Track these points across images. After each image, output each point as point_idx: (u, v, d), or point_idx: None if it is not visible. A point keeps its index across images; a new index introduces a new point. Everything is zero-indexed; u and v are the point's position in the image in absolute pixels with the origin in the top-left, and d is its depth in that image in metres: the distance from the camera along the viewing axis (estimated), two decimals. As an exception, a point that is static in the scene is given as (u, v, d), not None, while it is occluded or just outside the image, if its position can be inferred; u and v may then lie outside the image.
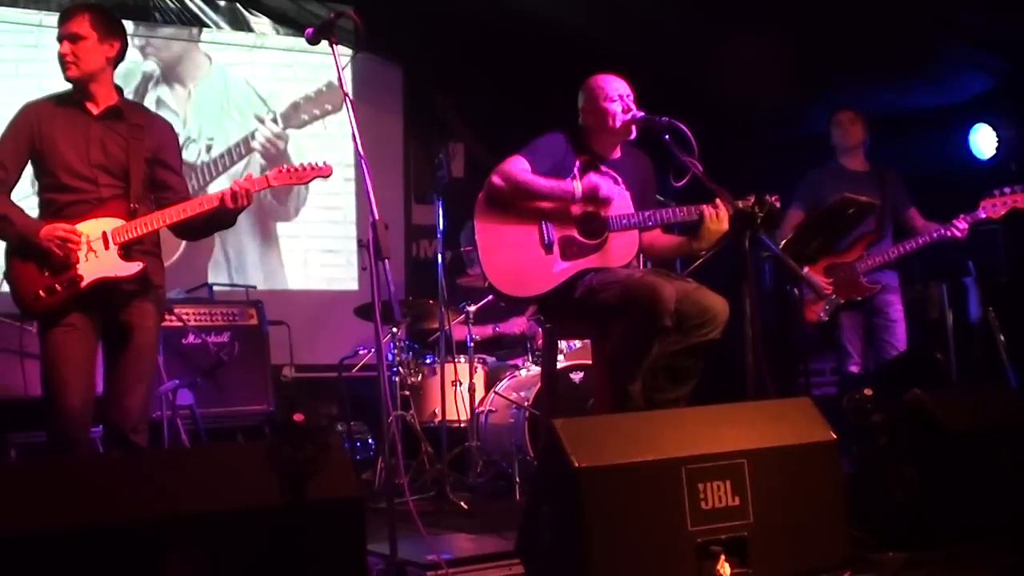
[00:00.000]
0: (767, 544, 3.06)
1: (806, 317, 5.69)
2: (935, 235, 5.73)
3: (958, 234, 5.67)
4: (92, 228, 3.88)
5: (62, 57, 3.94)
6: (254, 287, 7.41)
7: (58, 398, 3.80)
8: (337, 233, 8.27)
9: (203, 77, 7.90)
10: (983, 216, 5.67)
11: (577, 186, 4.38)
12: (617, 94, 4.51)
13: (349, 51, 6.81)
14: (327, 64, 7.84)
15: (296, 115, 8.12)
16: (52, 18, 7.19)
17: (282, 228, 8.11)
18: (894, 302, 5.93)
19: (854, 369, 5.87)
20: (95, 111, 4.01)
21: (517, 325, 6.72)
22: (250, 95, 8.07)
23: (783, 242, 5.14)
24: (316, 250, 8.22)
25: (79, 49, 3.94)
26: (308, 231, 8.19)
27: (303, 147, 8.08)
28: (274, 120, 8.10)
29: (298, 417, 2.69)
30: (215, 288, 7.05)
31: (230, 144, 7.95)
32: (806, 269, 5.70)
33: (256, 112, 8.02)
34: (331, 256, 8.26)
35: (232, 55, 8.03)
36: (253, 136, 8.03)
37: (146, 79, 7.66)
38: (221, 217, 4.04)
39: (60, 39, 3.95)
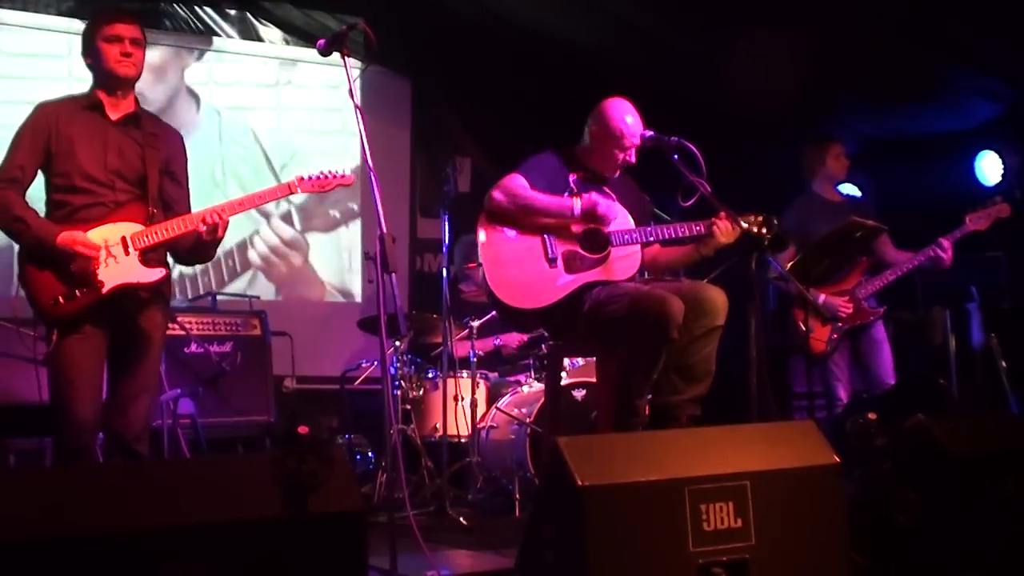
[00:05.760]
0: (768, 567, 3.04)
1: (813, 349, 5.69)
2: (922, 258, 5.78)
3: (942, 254, 5.72)
4: (111, 233, 3.86)
5: (126, 55, 3.94)
6: (257, 297, 7.41)
7: (69, 407, 3.77)
8: (341, 245, 8.28)
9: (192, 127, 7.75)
10: (971, 229, 5.74)
11: (576, 203, 4.41)
12: (632, 142, 4.53)
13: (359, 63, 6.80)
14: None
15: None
16: (46, 20, 7.32)
17: (284, 239, 8.11)
18: (877, 322, 5.96)
19: (842, 393, 5.88)
20: (114, 116, 4.00)
21: (516, 338, 6.72)
22: (256, 158, 7.98)
23: (789, 264, 5.15)
24: (320, 262, 8.22)
25: (139, 52, 3.99)
26: (312, 242, 8.19)
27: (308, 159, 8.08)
28: (286, 215, 8.03)
29: (303, 429, 2.68)
30: (218, 297, 7.05)
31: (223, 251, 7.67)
32: (822, 297, 5.73)
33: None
34: (335, 268, 8.26)
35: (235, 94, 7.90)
36: (252, 242, 7.94)
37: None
38: (205, 245, 4.03)
39: (118, 39, 3.94)
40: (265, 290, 7.87)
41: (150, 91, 7.51)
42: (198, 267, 7.56)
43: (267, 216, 7.97)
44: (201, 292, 7.48)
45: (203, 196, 4.06)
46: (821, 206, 6.01)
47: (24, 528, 2.50)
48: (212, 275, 7.72)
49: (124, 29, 3.96)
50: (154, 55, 7.55)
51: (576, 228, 4.48)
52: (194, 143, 7.31)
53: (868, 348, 5.93)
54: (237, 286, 7.76)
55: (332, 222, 8.28)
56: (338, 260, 8.29)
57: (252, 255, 7.94)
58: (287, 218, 8.07)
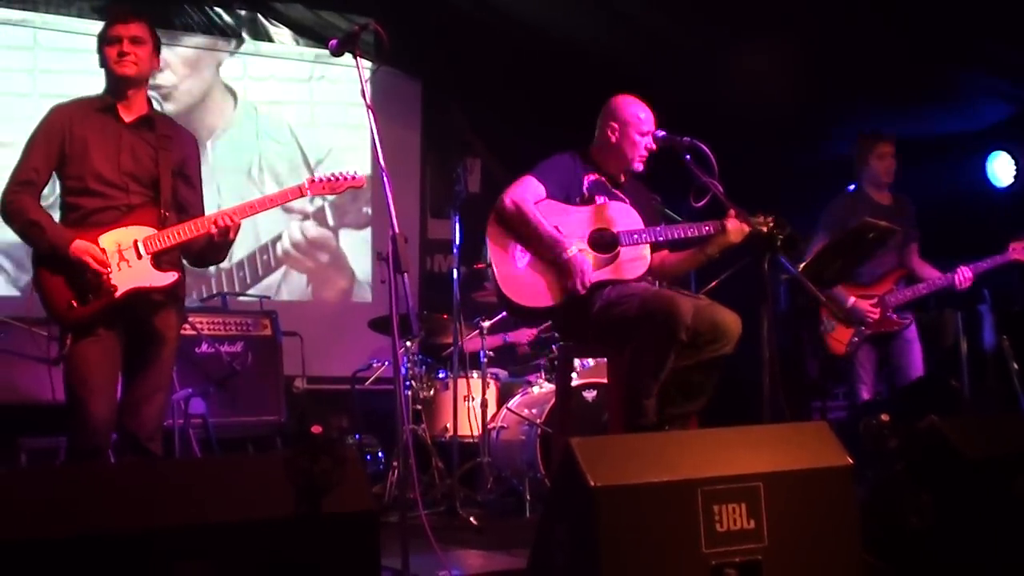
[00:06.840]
0: (781, 568, 3.03)
1: (832, 349, 5.67)
2: (951, 278, 5.78)
3: (957, 284, 5.73)
4: (123, 236, 3.87)
5: (122, 55, 3.93)
6: (268, 297, 7.41)
7: (85, 409, 3.78)
8: (352, 245, 8.29)
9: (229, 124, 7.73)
10: (1012, 258, 5.72)
11: (573, 248, 4.36)
12: (648, 128, 4.54)
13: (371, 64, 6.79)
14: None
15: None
16: (45, 18, 7.32)
17: (294, 238, 8.12)
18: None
19: (865, 395, 5.84)
20: (127, 119, 4.01)
21: (526, 335, 6.72)
22: (292, 155, 8.03)
23: (802, 265, 5.12)
24: (330, 261, 8.23)
25: (141, 51, 3.96)
26: (322, 242, 8.20)
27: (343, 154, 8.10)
28: (318, 214, 8.11)
29: (316, 429, 2.67)
30: (229, 298, 7.06)
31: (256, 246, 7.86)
32: (852, 300, 5.71)
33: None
34: (346, 268, 8.27)
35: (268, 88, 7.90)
36: (280, 236, 8.02)
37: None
38: (217, 247, 4.04)
39: (118, 39, 3.94)
40: (297, 285, 7.97)
41: (184, 84, 7.56)
42: (234, 261, 7.67)
43: (301, 213, 8.05)
44: (236, 288, 7.56)
45: (240, 194, 4.05)
46: (866, 207, 5.88)
47: (38, 526, 2.50)
48: (247, 270, 7.82)
49: (123, 29, 3.96)
50: (187, 50, 7.65)
51: (587, 229, 4.48)
52: (231, 140, 7.46)
53: (899, 348, 5.88)
54: (271, 281, 7.86)
55: (365, 219, 8.34)
56: (349, 259, 8.31)
57: (284, 251, 8.02)
58: (320, 215, 8.15)
